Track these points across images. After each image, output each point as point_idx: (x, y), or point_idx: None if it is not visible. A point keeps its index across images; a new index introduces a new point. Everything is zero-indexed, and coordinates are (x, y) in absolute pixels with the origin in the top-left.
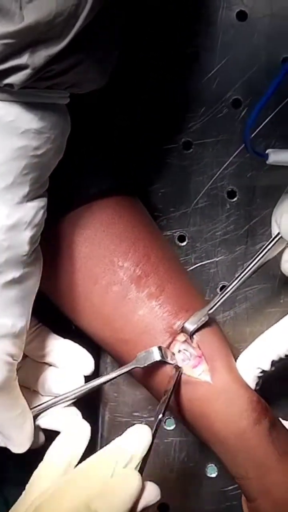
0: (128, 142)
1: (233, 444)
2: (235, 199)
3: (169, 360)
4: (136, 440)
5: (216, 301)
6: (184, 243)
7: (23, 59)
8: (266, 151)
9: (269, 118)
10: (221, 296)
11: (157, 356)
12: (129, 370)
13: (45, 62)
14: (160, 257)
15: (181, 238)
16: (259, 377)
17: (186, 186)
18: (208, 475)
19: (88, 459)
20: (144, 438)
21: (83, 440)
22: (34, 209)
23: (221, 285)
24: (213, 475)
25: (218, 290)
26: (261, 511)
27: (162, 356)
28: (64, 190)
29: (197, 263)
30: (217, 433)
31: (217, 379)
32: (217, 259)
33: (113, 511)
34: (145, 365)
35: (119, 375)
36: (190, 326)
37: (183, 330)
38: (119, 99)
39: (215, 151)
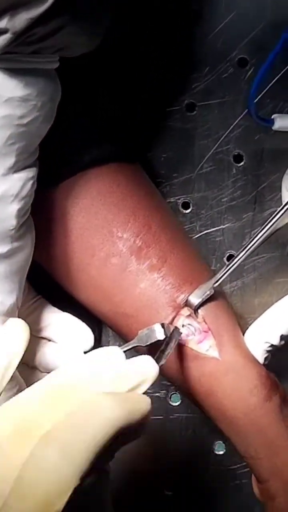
0: (127, 105)
1: (242, 423)
2: (242, 163)
3: None
4: (148, 366)
5: (222, 274)
6: (189, 210)
7: (2, 23)
8: (272, 116)
9: (276, 78)
10: (227, 268)
11: (160, 335)
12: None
13: (26, 25)
14: (162, 226)
15: (185, 205)
16: (268, 351)
17: (189, 150)
18: (216, 452)
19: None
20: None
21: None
22: (21, 181)
23: (227, 254)
24: (221, 452)
25: (224, 259)
26: (272, 492)
27: (165, 334)
28: (57, 158)
29: (202, 231)
30: (226, 412)
31: (225, 354)
32: (224, 227)
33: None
34: (148, 343)
35: None
36: (195, 299)
37: (187, 304)
38: (116, 59)
39: (220, 113)
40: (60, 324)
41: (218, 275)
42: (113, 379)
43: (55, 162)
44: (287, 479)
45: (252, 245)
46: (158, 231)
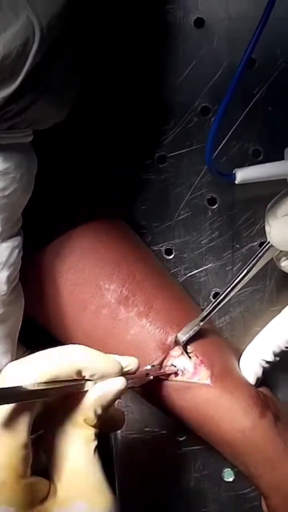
0: (102, 164)
1: (240, 442)
2: (216, 205)
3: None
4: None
5: (208, 310)
6: (172, 256)
7: None
8: (233, 171)
9: (238, 121)
10: (212, 304)
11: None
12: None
13: (0, 104)
14: (145, 274)
15: (168, 252)
16: (264, 367)
17: (166, 199)
18: (226, 479)
19: None
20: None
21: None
22: (8, 249)
23: (213, 292)
24: (230, 479)
25: (211, 297)
26: (273, 507)
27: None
28: (41, 223)
29: (187, 274)
30: (225, 434)
31: (217, 381)
32: (206, 267)
33: None
34: (140, 384)
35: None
36: (182, 336)
37: (176, 342)
38: (85, 124)
39: (190, 160)
40: None
41: (204, 312)
42: None
43: (40, 227)
44: (285, 494)
45: (237, 282)
46: (142, 279)
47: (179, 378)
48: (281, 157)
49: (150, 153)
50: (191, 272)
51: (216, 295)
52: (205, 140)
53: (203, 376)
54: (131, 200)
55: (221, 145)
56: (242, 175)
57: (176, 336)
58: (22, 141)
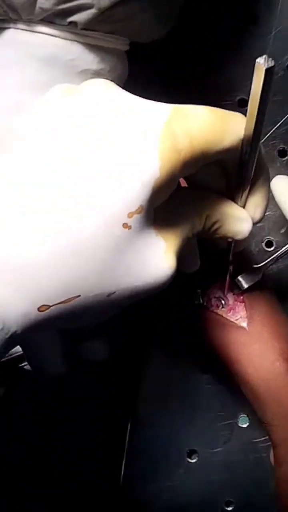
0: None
1: (263, 390)
2: (285, 157)
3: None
4: None
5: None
6: None
7: None
8: None
9: None
10: (274, 256)
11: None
12: None
13: (110, 3)
14: None
15: None
16: None
17: None
18: (240, 425)
19: None
20: None
21: None
22: None
23: (266, 240)
24: (245, 425)
25: (263, 244)
26: (280, 459)
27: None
28: None
29: None
30: (249, 379)
31: (252, 326)
32: (266, 214)
33: None
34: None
35: None
36: (243, 281)
37: (235, 282)
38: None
39: (270, 110)
40: None
41: (268, 263)
42: None
43: None
44: None
45: None
46: None
47: (219, 311)
48: None
49: (231, 94)
50: None
51: (268, 243)
52: (287, 94)
53: (242, 317)
54: None
55: None
56: None
57: (237, 278)
58: (119, 47)
